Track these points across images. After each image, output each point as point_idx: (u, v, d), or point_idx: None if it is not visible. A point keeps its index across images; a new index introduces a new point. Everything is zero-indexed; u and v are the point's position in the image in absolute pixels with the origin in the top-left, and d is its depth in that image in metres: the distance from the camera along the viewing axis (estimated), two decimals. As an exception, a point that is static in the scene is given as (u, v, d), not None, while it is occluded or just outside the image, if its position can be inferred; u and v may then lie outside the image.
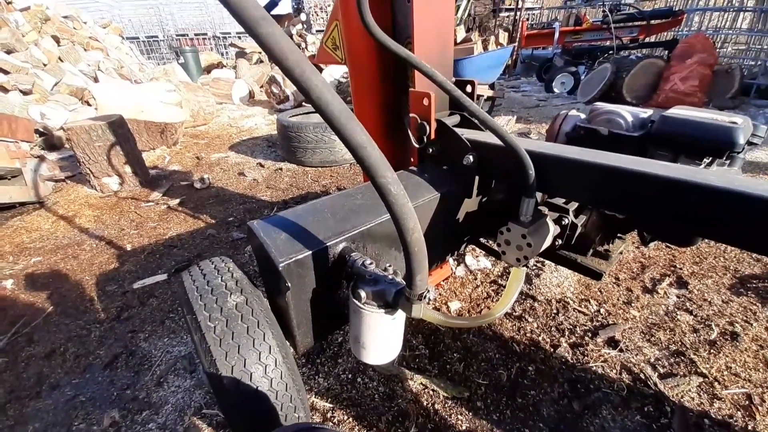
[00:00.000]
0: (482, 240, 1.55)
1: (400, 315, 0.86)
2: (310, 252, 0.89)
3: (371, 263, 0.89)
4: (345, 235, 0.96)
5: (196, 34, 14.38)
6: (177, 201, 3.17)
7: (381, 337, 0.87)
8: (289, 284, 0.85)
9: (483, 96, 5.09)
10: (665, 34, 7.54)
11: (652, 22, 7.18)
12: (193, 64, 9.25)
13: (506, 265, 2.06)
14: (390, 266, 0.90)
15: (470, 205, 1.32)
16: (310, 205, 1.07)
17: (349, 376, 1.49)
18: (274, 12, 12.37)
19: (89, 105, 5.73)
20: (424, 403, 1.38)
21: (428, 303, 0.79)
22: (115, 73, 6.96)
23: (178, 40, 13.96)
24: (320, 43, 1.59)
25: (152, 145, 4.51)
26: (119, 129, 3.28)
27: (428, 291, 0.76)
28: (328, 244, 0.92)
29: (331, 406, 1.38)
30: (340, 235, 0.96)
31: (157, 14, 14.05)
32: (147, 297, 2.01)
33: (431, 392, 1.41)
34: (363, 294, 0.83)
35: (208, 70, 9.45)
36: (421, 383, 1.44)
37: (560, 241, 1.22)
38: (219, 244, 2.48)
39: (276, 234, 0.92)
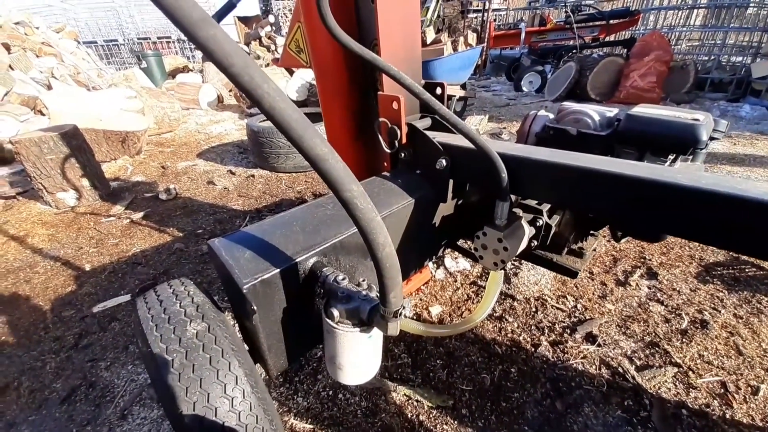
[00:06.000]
0: (460, 243, 1.53)
1: (377, 332, 0.81)
2: (278, 270, 0.83)
3: (344, 278, 0.84)
4: (315, 249, 0.91)
5: (159, 38, 13.77)
6: (141, 214, 2.99)
7: (358, 357, 0.83)
8: (255, 307, 0.79)
9: (455, 96, 5.14)
10: (624, 33, 7.88)
11: (611, 21, 7.50)
12: (156, 68, 8.86)
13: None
14: (364, 280, 0.86)
15: (446, 209, 1.29)
16: (277, 219, 1.01)
17: (330, 392, 1.43)
18: (241, 14, 12.08)
19: (42, 114, 5.36)
20: (409, 416, 1.34)
21: (408, 311, 0.75)
22: (70, 80, 6.56)
23: (139, 44, 13.33)
24: (284, 45, 1.52)
25: (113, 155, 4.26)
26: (73, 140, 3.07)
27: (404, 308, 0.71)
28: (297, 260, 0.87)
29: (311, 427, 1.32)
30: (310, 249, 0.90)
31: (116, 17, 13.37)
32: (108, 321, 1.87)
33: (415, 403, 1.37)
34: (336, 313, 0.78)
35: (173, 74, 9.07)
36: (405, 394, 1.40)
37: (536, 242, 1.22)
38: (187, 258, 2.35)
39: (239, 252, 0.85)
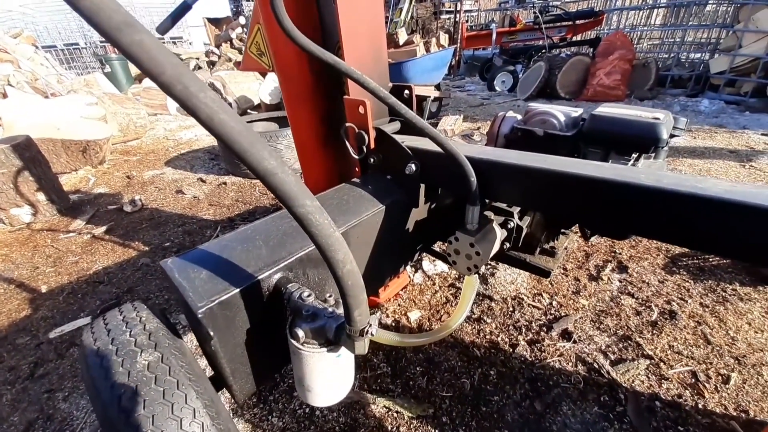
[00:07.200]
0: (435, 247, 1.51)
1: (346, 351, 0.78)
2: (238, 290, 0.78)
3: (309, 295, 0.80)
4: (280, 264, 0.86)
5: (123, 41, 13.15)
6: (103, 228, 2.83)
7: (327, 378, 0.78)
8: (212, 332, 0.74)
9: (430, 97, 5.15)
10: (589, 32, 8.16)
11: (578, 22, 7.75)
12: (121, 73, 8.49)
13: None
14: (331, 296, 0.82)
15: (419, 213, 1.27)
16: (238, 233, 0.95)
17: (306, 410, 1.37)
18: (212, 15, 11.74)
19: (-4, 125, 5.02)
20: (389, 428, 1.30)
21: (375, 329, 0.72)
22: (27, 87, 6.18)
23: (103, 47, 12.72)
24: (244, 48, 1.46)
25: (74, 166, 4.03)
26: (26, 152, 2.87)
27: (370, 325, 0.68)
28: (260, 278, 0.82)
29: (287, 446, 1.26)
30: (275, 264, 0.85)
31: (77, 19, 12.70)
32: (66, 347, 1.75)
33: (395, 414, 1.34)
34: (301, 333, 0.74)
35: (139, 79, 8.71)
36: (384, 406, 1.37)
37: (508, 245, 1.21)
38: (153, 274, 2.23)
39: (195, 273, 0.80)
